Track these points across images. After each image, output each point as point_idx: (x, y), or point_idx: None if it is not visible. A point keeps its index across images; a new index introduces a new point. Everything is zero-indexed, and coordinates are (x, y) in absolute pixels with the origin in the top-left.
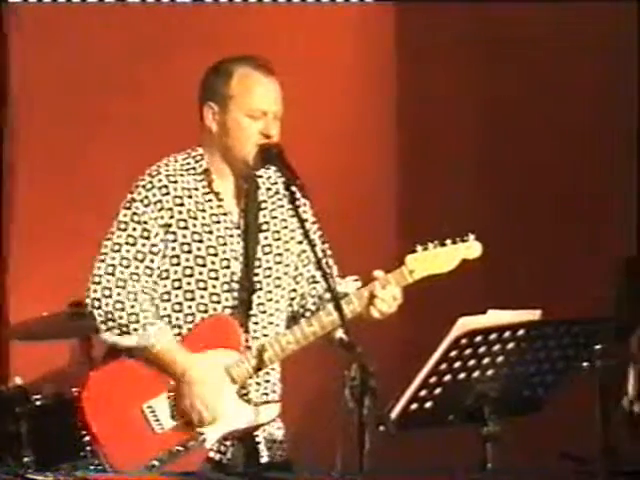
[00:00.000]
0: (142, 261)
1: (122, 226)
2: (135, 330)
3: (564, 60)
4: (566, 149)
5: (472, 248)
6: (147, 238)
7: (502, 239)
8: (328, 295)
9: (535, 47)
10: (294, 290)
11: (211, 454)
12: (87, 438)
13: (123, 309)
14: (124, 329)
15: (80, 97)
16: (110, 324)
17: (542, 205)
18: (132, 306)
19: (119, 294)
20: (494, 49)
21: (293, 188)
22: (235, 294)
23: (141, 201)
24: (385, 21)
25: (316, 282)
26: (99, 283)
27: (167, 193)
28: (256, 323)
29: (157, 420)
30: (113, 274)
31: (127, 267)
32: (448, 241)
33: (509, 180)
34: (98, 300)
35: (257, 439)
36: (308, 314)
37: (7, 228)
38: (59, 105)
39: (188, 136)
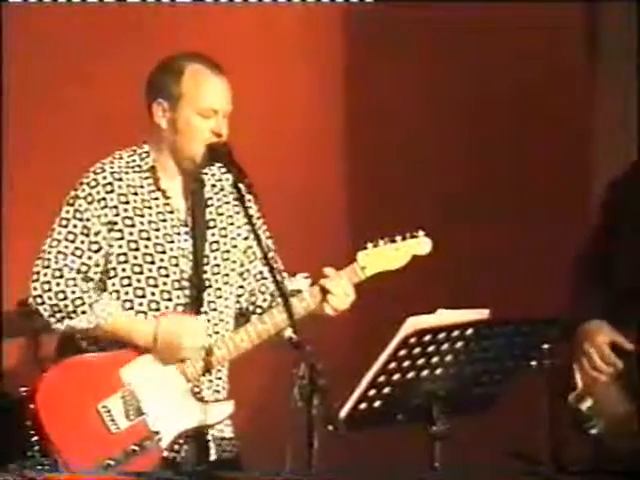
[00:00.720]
0: (80, 257)
1: (63, 222)
2: (83, 313)
3: (513, 58)
4: (517, 147)
5: (422, 244)
6: (87, 235)
7: (451, 237)
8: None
9: (483, 44)
10: (241, 287)
11: (165, 453)
12: (36, 438)
13: (65, 297)
14: (73, 315)
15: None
16: (58, 315)
17: (493, 203)
18: (73, 292)
19: (58, 284)
20: (443, 48)
21: (241, 186)
22: (186, 292)
23: (84, 198)
24: (333, 21)
25: (265, 278)
26: (38, 280)
27: (112, 191)
28: (207, 320)
29: (112, 420)
30: (49, 267)
31: (64, 260)
32: (398, 237)
33: (458, 178)
34: (40, 297)
35: (207, 437)
36: (259, 310)
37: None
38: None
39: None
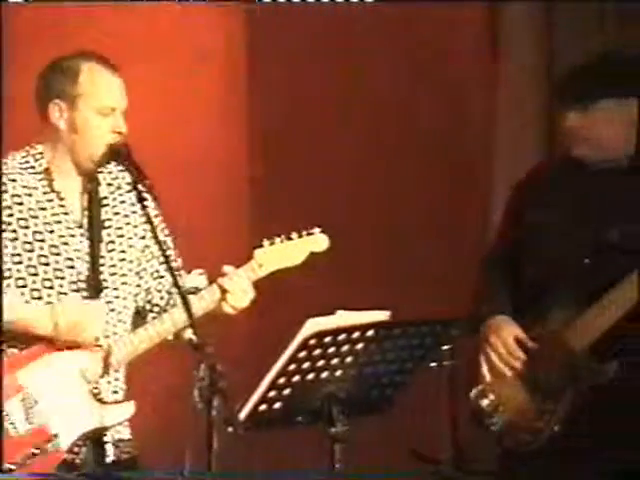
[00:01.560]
0: None
1: None
2: None
3: (416, 60)
4: (421, 146)
5: (319, 241)
6: None
7: (353, 237)
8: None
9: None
10: (138, 285)
11: (65, 455)
12: None
13: None
14: None
15: None
16: None
17: (395, 202)
18: None
19: None
20: (344, 50)
21: (140, 186)
22: (83, 293)
23: None
24: (236, 23)
25: (161, 277)
26: None
27: (5, 191)
28: (106, 322)
29: (12, 424)
30: None
31: None
32: (294, 234)
33: (362, 175)
34: None
35: (105, 438)
36: (156, 309)
37: None
38: None
39: None
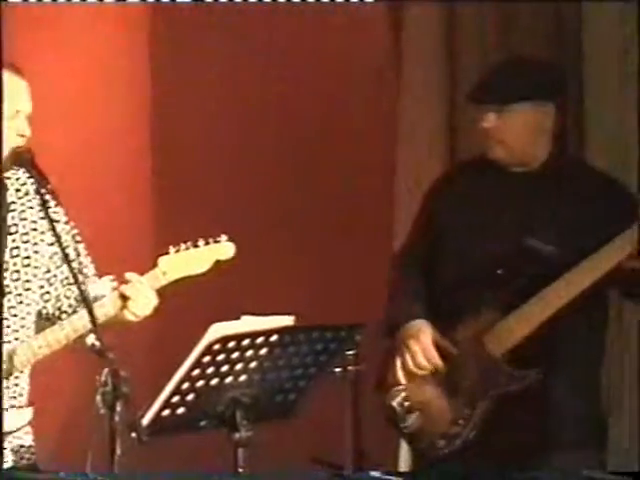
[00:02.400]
0: None
1: None
2: None
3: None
4: (334, 150)
5: (225, 249)
6: None
7: (258, 242)
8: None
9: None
10: (48, 292)
11: None
12: None
13: None
14: None
15: None
16: None
17: (302, 207)
18: None
19: None
20: (243, 49)
21: (43, 191)
22: None
23: None
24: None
25: (71, 284)
26: None
27: None
28: (8, 327)
29: None
30: None
31: None
32: (201, 242)
33: (268, 181)
34: None
35: (3, 445)
36: (64, 316)
37: None
38: None
39: None
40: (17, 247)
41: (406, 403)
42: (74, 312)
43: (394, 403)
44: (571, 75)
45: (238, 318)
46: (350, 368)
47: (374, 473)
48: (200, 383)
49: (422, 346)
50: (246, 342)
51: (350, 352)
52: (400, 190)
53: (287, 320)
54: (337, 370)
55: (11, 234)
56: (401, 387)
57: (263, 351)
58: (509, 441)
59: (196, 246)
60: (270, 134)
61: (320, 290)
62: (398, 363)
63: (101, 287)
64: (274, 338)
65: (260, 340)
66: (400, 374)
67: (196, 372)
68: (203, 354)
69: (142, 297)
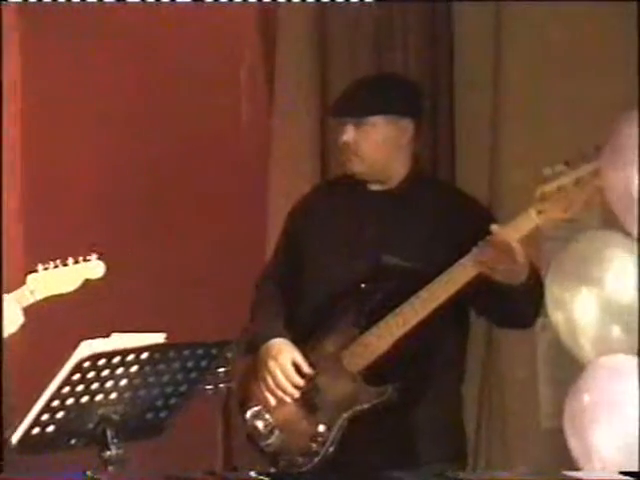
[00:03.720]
0: None
1: None
2: None
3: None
4: (206, 166)
5: (95, 267)
6: None
7: (129, 259)
8: None
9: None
10: None
11: None
12: None
13: None
14: None
15: None
16: None
17: (177, 224)
18: None
19: None
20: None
21: None
22: None
23: None
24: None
25: None
26: None
27: None
28: None
29: None
30: None
31: None
32: (70, 260)
33: (140, 197)
34: None
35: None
36: None
37: None
38: None
39: None
40: None
41: (267, 422)
42: None
43: (256, 422)
44: (444, 94)
45: (108, 336)
46: (221, 385)
47: None
48: (70, 401)
49: (281, 367)
50: (116, 360)
51: (221, 369)
52: (273, 209)
53: (158, 337)
54: (208, 387)
55: None
56: (262, 406)
57: (134, 369)
58: (366, 458)
59: (65, 265)
60: (138, 148)
61: (191, 307)
62: (260, 383)
63: None
64: (145, 355)
65: (131, 357)
66: (261, 393)
67: (66, 390)
68: (73, 372)
69: (7, 315)
